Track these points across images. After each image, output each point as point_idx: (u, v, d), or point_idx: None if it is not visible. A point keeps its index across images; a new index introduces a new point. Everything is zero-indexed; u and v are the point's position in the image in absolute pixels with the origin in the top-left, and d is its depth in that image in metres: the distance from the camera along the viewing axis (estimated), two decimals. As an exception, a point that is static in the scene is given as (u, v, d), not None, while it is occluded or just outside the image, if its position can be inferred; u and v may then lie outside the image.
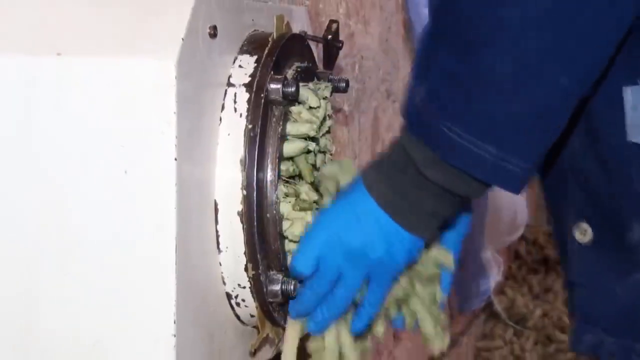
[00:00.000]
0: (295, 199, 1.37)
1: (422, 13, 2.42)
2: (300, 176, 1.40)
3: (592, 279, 1.43)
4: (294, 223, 1.37)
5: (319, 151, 1.44)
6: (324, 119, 1.43)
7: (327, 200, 1.38)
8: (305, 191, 1.38)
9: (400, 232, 1.32)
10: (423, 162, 1.29)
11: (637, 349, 1.40)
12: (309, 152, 1.40)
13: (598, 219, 1.41)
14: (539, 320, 3.34)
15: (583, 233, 1.42)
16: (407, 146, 1.30)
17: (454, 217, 1.40)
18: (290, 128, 1.37)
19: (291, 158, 1.38)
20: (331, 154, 1.49)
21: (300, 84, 1.39)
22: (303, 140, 1.38)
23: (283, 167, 1.36)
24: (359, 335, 1.37)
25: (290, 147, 1.37)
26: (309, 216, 1.37)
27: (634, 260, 1.38)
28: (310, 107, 1.40)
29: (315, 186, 1.42)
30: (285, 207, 1.36)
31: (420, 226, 1.33)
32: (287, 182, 1.37)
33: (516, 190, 1.29)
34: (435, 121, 1.27)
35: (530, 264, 3.63)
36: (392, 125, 2.48)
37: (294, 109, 1.39)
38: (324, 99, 1.42)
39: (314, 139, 1.41)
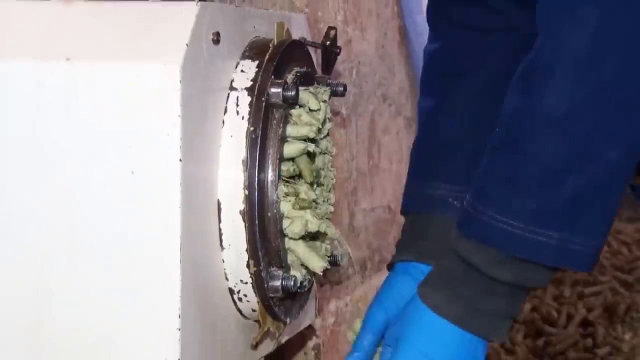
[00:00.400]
0: (295, 198, 1.36)
1: (417, 20, 2.41)
2: (300, 176, 1.39)
3: None
4: (294, 221, 1.36)
5: (320, 152, 1.44)
6: (324, 122, 1.43)
7: None
8: (305, 190, 1.37)
9: (479, 343, 1.33)
10: (488, 264, 1.28)
11: None
12: (309, 153, 1.40)
13: None
14: (529, 314, 3.33)
15: None
16: (464, 254, 1.30)
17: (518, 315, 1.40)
18: (291, 130, 1.37)
19: (292, 159, 1.37)
20: (332, 156, 1.48)
21: (300, 88, 1.38)
22: (303, 141, 1.37)
23: (284, 167, 1.35)
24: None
25: (291, 149, 1.36)
26: (308, 215, 1.37)
27: None
28: (311, 110, 1.40)
29: (315, 185, 1.42)
30: (286, 206, 1.36)
31: (497, 332, 1.33)
32: (287, 182, 1.36)
33: (588, 268, 1.29)
34: (494, 220, 1.27)
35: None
36: (388, 128, 2.48)
37: (295, 111, 1.38)
38: (323, 102, 1.41)
39: (314, 141, 1.41)
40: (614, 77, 1.24)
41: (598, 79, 1.24)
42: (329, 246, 1.46)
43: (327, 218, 1.46)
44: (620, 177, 1.27)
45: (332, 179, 1.48)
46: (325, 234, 1.42)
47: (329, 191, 1.47)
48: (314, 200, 1.38)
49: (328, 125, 1.45)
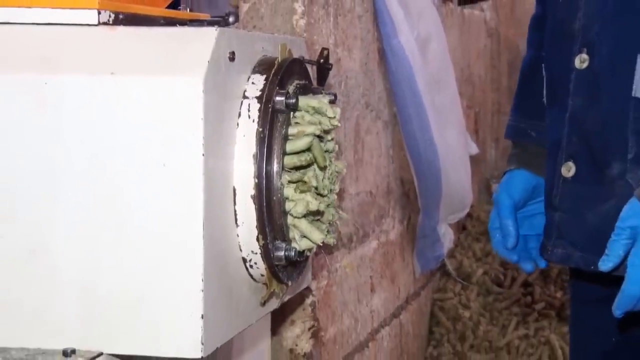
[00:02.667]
0: (297, 184, 1.36)
1: (392, 43, 2.39)
2: (303, 167, 1.38)
3: (570, 205, 1.41)
4: (297, 203, 1.35)
5: (325, 150, 1.43)
6: (333, 128, 1.42)
7: None
8: (309, 177, 1.36)
9: None
10: None
11: (596, 261, 1.37)
12: (321, 140, 1.39)
13: (583, 159, 1.39)
14: (481, 277, 3.32)
15: (568, 170, 1.40)
16: None
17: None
18: (292, 130, 1.36)
19: (298, 152, 1.37)
20: (334, 155, 1.48)
21: (300, 96, 1.37)
22: (309, 136, 1.37)
23: (287, 160, 1.35)
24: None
25: (300, 143, 1.36)
26: (308, 197, 1.36)
27: (607, 193, 1.35)
28: (316, 111, 1.39)
29: (326, 170, 1.42)
30: (289, 191, 1.35)
31: None
32: (289, 171, 1.36)
33: None
34: None
35: (474, 234, 3.61)
36: (369, 129, 2.46)
37: (299, 114, 1.38)
38: (333, 115, 1.41)
39: (320, 138, 1.40)
40: None
41: None
42: (328, 223, 1.45)
43: (332, 206, 1.46)
44: None
45: (337, 173, 1.47)
46: (323, 213, 1.42)
47: (334, 183, 1.46)
48: (315, 187, 1.38)
49: (333, 133, 1.45)
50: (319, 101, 1.39)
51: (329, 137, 1.44)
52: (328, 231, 1.44)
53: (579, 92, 1.39)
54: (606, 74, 1.34)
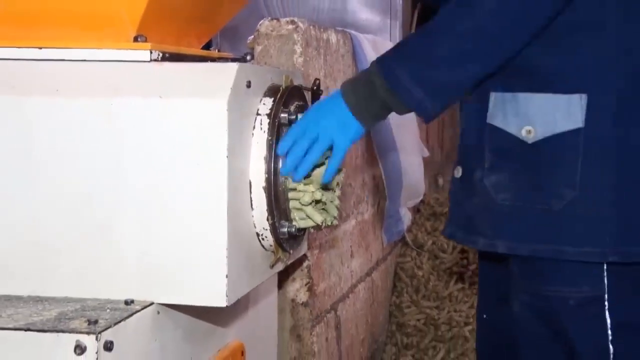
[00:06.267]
0: (304, 179, 1.33)
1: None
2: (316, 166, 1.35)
3: (456, 198, 1.40)
4: (305, 194, 1.33)
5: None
6: None
7: None
8: (316, 173, 1.34)
9: (355, 121, 1.29)
10: (380, 86, 1.26)
11: (473, 239, 1.36)
12: None
13: (464, 165, 1.38)
14: (430, 246, 3.31)
15: (458, 172, 1.39)
16: (372, 76, 1.27)
17: (383, 120, 1.36)
18: None
19: None
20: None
21: (298, 114, 1.36)
22: None
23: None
24: (325, 186, 1.34)
25: None
26: (312, 187, 1.34)
27: (474, 190, 1.35)
28: None
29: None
30: (297, 184, 1.33)
31: (367, 121, 1.30)
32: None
33: (426, 119, 1.28)
34: (397, 68, 1.24)
35: (425, 215, 3.60)
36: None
37: None
38: None
39: None
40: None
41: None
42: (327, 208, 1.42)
43: (337, 196, 1.41)
44: (471, 82, 1.26)
45: (341, 179, 1.43)
46: (325, 202, 1.38)
47: (338, 183, 1.41)
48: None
49: None
50: None
51: None
52: (334, 217, 1.41)
53: (462, 117, 1.38)
54: (471, 107, 1.34)
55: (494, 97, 1.30)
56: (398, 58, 1.26)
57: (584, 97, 1.24)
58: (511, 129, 1.28)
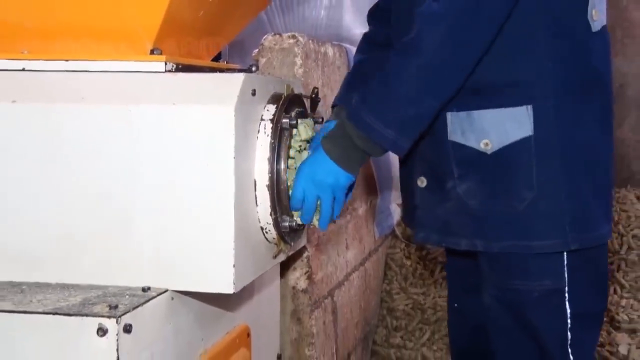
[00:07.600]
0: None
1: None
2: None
3: (425, 205, 1.39)
4: None
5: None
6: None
7: (304, 155, 1.34)
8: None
9: (342, 171, 1.29)
10: (356, 137, 1.26)
11: (447, 241, 1.36)
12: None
13: (429, 176, 1.37)
14: (418, 238, 3.31)
15: (422, 182, 1.38)
16: (347, 128, 1.27)
17: (365, 163, 1.35)
18: (293, 141, 1.34)
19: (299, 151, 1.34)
20: None
21: (299, 120, 1.35)
22: (305, 142, 1.36)
23: (290, 161, 1.32)
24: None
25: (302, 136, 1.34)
26: None
27: (447, 197, 1.34)
28: (302, 139, 1.36)
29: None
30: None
31: (353, 168, 1.30)
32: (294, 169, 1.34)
33: (401, 154, 1.28)
34: (366, 116, 1.24)
35: (413, 210, 3.60)
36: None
37: (300, 127, 1.35)
38: (312, 129, 1.39)
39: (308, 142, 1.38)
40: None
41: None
42: None
43: None
44: (430, 116, 1.24)
45: None
46: None
47: None
48: None
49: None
50: (305, 124, 1.37)
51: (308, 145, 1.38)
52: None
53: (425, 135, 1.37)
54: (436, 125, 1.33)
55: (450, 116, 1.30)
56: (365, 107, 1.26)
57: (529, 107, 1.26)
58: (471, 142, 1.29)
